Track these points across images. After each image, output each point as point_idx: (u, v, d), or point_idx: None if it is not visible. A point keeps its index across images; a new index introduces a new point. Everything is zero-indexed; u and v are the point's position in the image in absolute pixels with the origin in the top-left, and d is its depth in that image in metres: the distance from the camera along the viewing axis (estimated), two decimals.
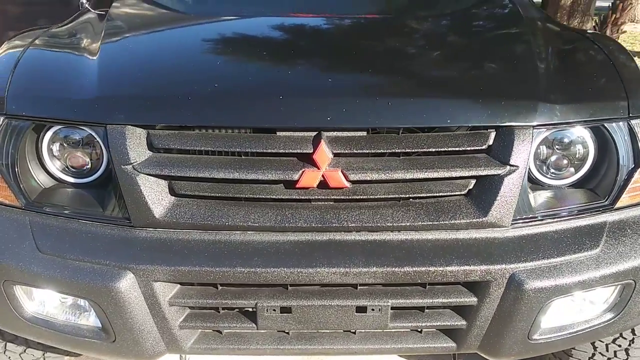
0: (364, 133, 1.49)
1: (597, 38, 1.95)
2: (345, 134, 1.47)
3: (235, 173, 1.44)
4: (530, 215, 1.52)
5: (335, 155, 1.45)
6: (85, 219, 1.52)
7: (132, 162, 1.45)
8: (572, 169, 1.63)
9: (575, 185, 1.64)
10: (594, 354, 1.95)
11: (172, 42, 1.98)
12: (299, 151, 1.44)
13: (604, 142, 1.60)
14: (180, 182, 1.48)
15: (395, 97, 1.50)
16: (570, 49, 1.93)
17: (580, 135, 1.60)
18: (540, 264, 1.45)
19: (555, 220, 1.54)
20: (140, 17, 2.19)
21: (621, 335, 1.90)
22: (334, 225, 1.47)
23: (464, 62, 1.79)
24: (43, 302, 1.56)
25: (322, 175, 1.44)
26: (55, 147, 1.59)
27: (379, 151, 1.46)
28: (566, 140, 1.60)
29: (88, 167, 1.60)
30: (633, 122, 1.59)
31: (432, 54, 1.88)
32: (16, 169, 1.56)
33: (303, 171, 1.44)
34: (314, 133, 1.46)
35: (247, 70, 1.71)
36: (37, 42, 1.82)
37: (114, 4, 2.14)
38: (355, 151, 1.45)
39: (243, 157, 1.48)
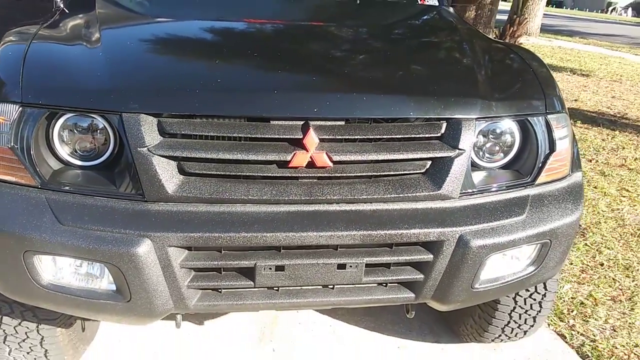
0: (343, 122, 1.80)
1: (517, 48, 2.38)
2: (328, 123, 1.77)
3: (237, 155, 1.71)
4: (473, 190, 1.89)
5: (321, 140, 1.75)
6: (100, 195, 1.73)
7: (146, 145, 1.68)
8: (502, 154, 2.02)
9: (504, 167, 2.04)
10: (514, 307, 2.38)
11: (169, 39, 2.21)
12: (290, 137, 1.73)
13: (526, 133, 2.01)
14: (189, 162, 1.72)
15: (368, 93, 1.83)
16: (498, 57, 2.34)
17: (509, 127, 1.99)
18: (481, 227, 1.82)
19: (491, 193, 1.92)
20: (127, 16, 2.39)
21: (536, 290, 2.34)
22: (319, 198, 1.77)
23: (419, 65, 2.17)
24: (60, 270, 1.75)
25: (310, 157, 1.74)
26: (65, 133, 1.79)
27: (356, 137, 1.78)
28: (498, 130, 1.99)
29: (95, 151, 1.81)
30: (549, 117, 2.01)
31: (394, 57, 2.23)
32: (32, 152, 1.74)
33: (294, 153, 1.73)
34: (302, 122, 1.76)
35: (244, 67, 1.98)
36: (38, 35, 1.98)
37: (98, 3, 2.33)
38: (337, 137, 1.76)
39: (242, 141, 1.75)
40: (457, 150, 1.83)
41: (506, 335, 2.49)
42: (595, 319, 2.89)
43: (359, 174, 1.80)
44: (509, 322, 2.41)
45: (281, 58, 2.06)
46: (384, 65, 2.12)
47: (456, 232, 1.79)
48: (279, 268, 1.75)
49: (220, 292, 1.80)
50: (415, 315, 2.25)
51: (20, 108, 1.73)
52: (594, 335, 2.77)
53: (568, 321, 2.87)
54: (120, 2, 2.48)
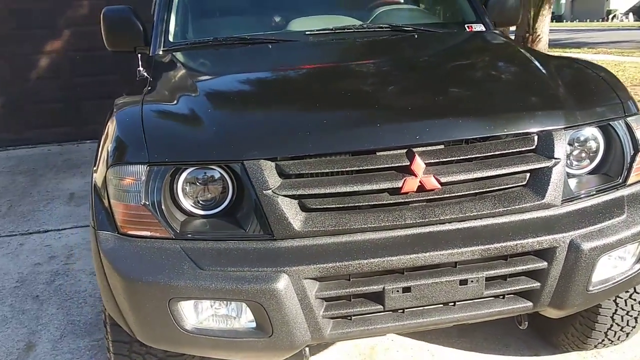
0: (442, 146, 1.92)
1: (575, 60, 2.52)
2: (429, 148, 1.90)
3: (352, 187, 1.84)
4: (572, 196, 1.99)
5: (427, 164, 1.87)
6: (230, 239, 1.85)
7: (270, 187, 1.81)
8: (588, 160, 2.13)
9: (592, 172, 2.14)
10: (616, 310, 2.43)
11: (263, 89, 2.39)
12: (399, 164, 1.86)
13: (609, 137, 2.11)
14: (309, 199, 1.85)
15: (463, 116, 1.96)
16: (565, 69, 2.47)
17: (592, 133, 2.10)
18: (589, 230, 1.91)
19: (590, 197, 2.02)
20: (215, 72, 2.59)
21: (635, 290, 2.40)
22: (433, 219, 1.88)
23: (498, 85, 2.31)
24: (202, 313, 1.87)
25: (419, 181, 1.86)
26: (188, 186, 1.93)
27: (458, 158, 1.90)
28: (582, 138, 2.10)
29: (215, 199, 1.95)
30: (628, 119, 2.12)
31: (471, 80, 2.38)
32: (162, 207, 1.88)
33: (405, 179, 1.85)
34: (405, 150, 1.89)
35: (343, 106, 2.12)
36: (146, 100, 2.16)
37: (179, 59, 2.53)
38: (441, 160, 1.88)
39: (355, 174, 1.87)
40: (554, 160, 1.93)
41: (609, 339, 2.53)
42: None
43: (466, 193, 1.91)
44: (611, 326, 2.46)
45: (372, 94, 2.21)
46: (467, 89, 2.26)
47: (567, 237, 1.88)
48: (406, 290, 1.84)
49: (351, 319, 1.90)
50: (508, 331, 2.31)
51: (148, 167, 1.88)
52: None
53: None
54: (202, 61, 2.67)
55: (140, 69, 2.67)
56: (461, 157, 1.91)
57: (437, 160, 1.88)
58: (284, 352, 1.89)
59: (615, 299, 2.39)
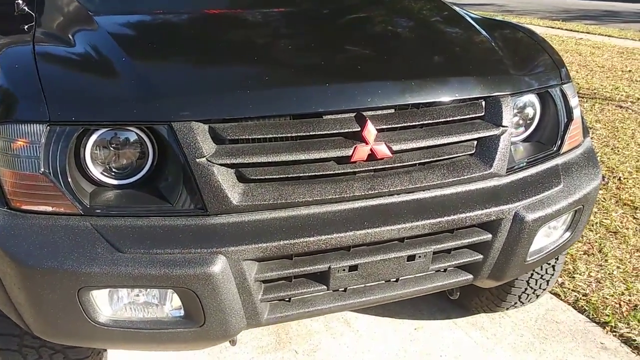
0: (392, 110, 1.75)
1: (515, 25, 2.44)
2: (379, 112, 1.72)
3: (298, 155, 1.62)
4: (513, 165, 1.93)
5: (378, 130, 1.70)
6: (155, 216, 1.57)
7: (205, 155, 1.54)
8: (523, 128, 2.07)
9: (524, 140, 2.09)
10: (532, 274, 2.47)
11: (189, 34, 2.03)
12: (349, 130, 1.66)
13: (545, 104, 2.07)
14: (249, 168, 1.60)
15: (416, 78, 1.79)
16: (507, 34, 2.37)
17: (530, 100, 2.05)
18: (532, 200, 1.86)
19: (529, 167, 1.97)
20: (121, 9, 2.18)
21: None
22: (382, 191, 1.72)
23: (448, 48, 2.16)
24: (118, 303, 1.58)
25: (370, 149, 1.68)
26: (99, 151, 1.60)
27: (410, 124, 1.75)
28: (520, 104, 2.03)
29: (130, 167, 1.64)
30: (564, 86, 2.09)
31: (421, 42, 2.21)
32: (67, 176, 1.54)
33: (355, 147, 1.66)
34: (354, 114, 1.69)
35: (288, 61, 1.86)
36: (37, 40, 1.75)
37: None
38: (393, 125, 1.72)
39: (299, 140, 1.65)
40: (502, 128, 1.85)
41: (521, 301, 2.58)
42: (580, 274, 3.07)
43: (415, 162, 1.77)
44: (526, 289, 2.50)
45: (318, 50, 1.97)
46: (418, 51, 2.10)
47: (512, 209, 1.82)
48: (352, 268, 1.68)
49: (290, 301, 1.71)
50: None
51: (49, 127, 1.52)
52: (584, 290, 2.94)
53: (557, 280, 3.02)
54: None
55: (19, 1, 2.20)
56: (412, 124, 1.75)
57: (388, 126, 1.71)
58: (216, 341, 1.67)
59: None
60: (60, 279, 1.48)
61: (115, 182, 1.63)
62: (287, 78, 1.75)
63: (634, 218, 3.71)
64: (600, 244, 3.40)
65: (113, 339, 1.60)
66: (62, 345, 1.79)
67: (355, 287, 1.76)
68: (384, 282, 1.80)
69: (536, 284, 2.50)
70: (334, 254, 1.68)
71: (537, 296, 2.60)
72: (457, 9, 2.50)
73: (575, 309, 2.82)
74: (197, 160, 1.53)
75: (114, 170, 1.63)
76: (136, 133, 1.60)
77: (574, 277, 3.05)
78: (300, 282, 1.69)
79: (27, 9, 2.14)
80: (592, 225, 3.62)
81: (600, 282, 3.01)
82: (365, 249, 1.71)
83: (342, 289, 1.75)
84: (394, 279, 1.81)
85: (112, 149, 1.61)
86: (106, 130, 1.58)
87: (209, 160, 1.54)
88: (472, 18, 2.41)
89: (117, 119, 1.55)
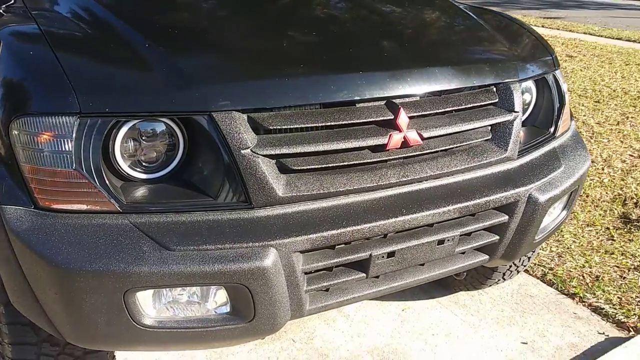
0: (418, 98, 1.77)
1: (505, 15, 2.52)
2: (408, 100, 1.74)
3: (338, 144, 1.60)
4: (523, 148, 2.01)
5: (409, 118, 1.71)
6: (197, 211, 1.50)
7: (249, 146, 1.49)
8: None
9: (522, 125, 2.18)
10: None
11: (210, 21, 1.92)
12: (384, 118, 1.67)
13: (541, 90, 2.17)
14: (290, 159, 1.56)
15: (440, 66, 1.82)
16: (504, 25, 2.44)
17: (528, 85, 2.14)
18: (542, 182, 1.94)
19: (533, 150, 2.06)
20: None
21: None
22: (414, 177, 1.74)
23: (459, 38, 2.20)
24: (164, 303, 1.50)
25: (404, 137, 1.69)
26: (130, 144, 1.51)
27: (437, 111, 1.77)
28: (522, 90, 2.11)
29: (160, 160, 1.56)
30: (556, 72, 2.20)
31: (446, 35, 2.24)
32: (102, 172, 1.44)
33: (390, 135, 1.67)
34: (384, 102, 1.70)
35: (319, 50, 1.81)
36: (43, 23, 1.61)
37: None
38: (423, 113, 1.74)
39: (337, 129, 1.63)
40: (514, 113, 1.92)
41: (504, 278, 2.71)
42: (542, 250, 3.26)
43: (441, 149, 1.80)
44: (510, 267, 2.62)
45: (348, 39, 1.93)
46: (436, 41, 2.13)
47: (527, 191, 1.89)
48: (391, 254, 1.70)
49: (328, 290, 1.70)
50: None
51: (79, 119, 1.41)
52: (549, 264, 3.13)
53: None
54: None
55: None
56: (437, 111, 1.78)
57: (418, 114, 1.73)
58: (262, 336, 1.63)
59: None
60: (106, 281, 1.38)
61: (144, 176, 1.55)
62: (324, 66, 1.72)
63: (579, 196, 3.96)
64: None
65: (157, 341, 1.52)
66: (82, 351, 1.68)
67: (387, 273, 1.77)
68: (412, 267, 1.83)
69: (519, 261, 2.63)
70: (374, 241, 1.68)
71: (518, 272, 2.74)
72: (454, 2, 2.56)
73: (545, 283, 3.00)
74: (242, 151, 1.48)
75: (143, 163, 1.54)
76: (166, 124, 1.52)
77: (538, 253, 3.22)
78: (340, 271, 1.68)
79: None
80: None
81: (561, 257, 3.21)
82: (400, 235, 1.72)
83: (376, 276, 1.76)
84: (421, 264, 1.84)
85: (143, 141, 1.52)
86: (137, 122, 1.49)
87: (253, 152, 1.49)
88: (466, 8, 2.47)
89: (153, 110, 1.46)
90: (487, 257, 1.97)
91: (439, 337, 2.57)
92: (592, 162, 4.51)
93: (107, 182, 1.44)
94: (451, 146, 1.82)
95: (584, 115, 5.66)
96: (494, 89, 1.92)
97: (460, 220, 1.83)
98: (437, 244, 1.78)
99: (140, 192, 1.52)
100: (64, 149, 1.41)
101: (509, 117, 1.90)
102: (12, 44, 1.56)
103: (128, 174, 1.53)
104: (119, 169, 1.51)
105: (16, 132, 1.42)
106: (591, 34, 10.93)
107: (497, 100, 1.91)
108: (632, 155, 4.70)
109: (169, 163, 1.56)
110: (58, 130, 1.40)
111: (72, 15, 1.78)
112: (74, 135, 1.41)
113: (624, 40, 10.43)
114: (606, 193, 4.00)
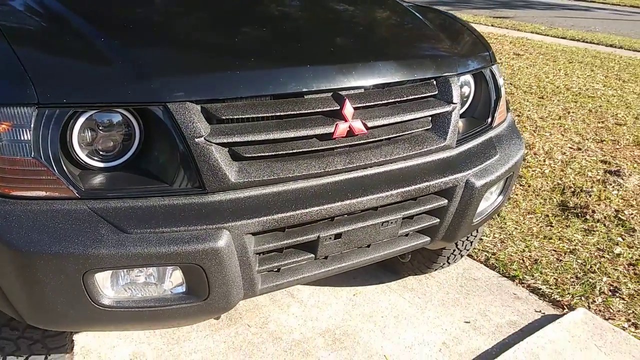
0: (363, 90, 1.89)
1: (444, 12, 2.67)
2: (353, 92, 1.85)
3: (287, 133, 1.71)
4: (461, 137, 2.16)
5: (354, 109, 1.83)
6: (153, 195, 1.58)
7: (202, 134, 1.58)
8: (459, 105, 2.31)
9: (461, 116, 2.33)
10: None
11: (169, 15, 1.99)
12: (330, 108, 1.78)
13: (479, 83, 2.32)
14: (242, 147, 1.66)
15: (384, 60, 1.94)
16: (442, 21, 2.58)
17: (466, 79, 2.29)
18: (478, 168, 2.09)
19: (471, 138, 2.21)
20: None
21: None
22: (360, 164, 1.86)
23: (401, 33, 2.34)
24: (121, 284, 1.58)
25: (349, 126, 1.81)
26: (87, 133, 1.58)
27: (380, 102, 1.90)
28: (459, 83, 2.26)
29: (116, 149, 1.63)
30: (493, 67, 2.35)
31: (378, 28, 2.35)
32: (60, 161, 1.51)
33: (336, 124, 1.78)
34: (331, 94, 1.81)
35: (269, 44, 1.90)
36: (2, 22, 1.66)
37: None
38: (367, 104, 1.86)
39: (286, 119, 1.74)
40: (452, 105, 2.06)
41: (449, 262, 2.86)
42: (486, 236, 3.44)
43: (384, 137, 1.93)
44: (454, 251, 2.78)
45: (291, 32, 2.04)
46: (381, 37, 2.24)
47: (464, 177, 2.04)
48: (337, 236, 1.81)
49: (279, 270, 1.80)
50: None
51: (38, 110, 1.48)
52: (492, 249, 3.31)
53: None
54: None
55: None
56: (380, 102, 1.90)
57: (363, 105, 1.85)
58: (216, 314, 1.72)
59: None
60: (64, 263, 1.46)
61: (102, 164, 1.62)
62: (272, 58, 1.82)
63: (520, 185, 4.18)
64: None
65: (116, 321, 1.60)
66: (41, 334, 1.74)
67: (335, 254, 1.89)
68: (357, 248, 1.95)
69: (462, 245, 2.78)
70: (322, 224, 1.79)
71: (462, 256, 2.90)
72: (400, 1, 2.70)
73: (487, 267, 3.17)
74: (196, 140, 1.57)
75: (101, 152, 1.61)
76: (122, 114, 1.60)
77: (481, 239, 3.41)
78: (290, 252, 1.79)
79: None
80: None
81: (504, 242, 3.40)
82: (347, 217, 1.84)
83: (324, 257, 1.88)
84: (367, 245, 1.96)
85: (99, 131, 1.59)
86: (94, 112, 1.56)
87: (206, 140, 1.58)
88: (411, 7, 2.61)
89: (110, 101, 1.54)
90: (428, 239, 2.10)
91: (388, 318, 2.70)
92: (535, 154, 4.75)
93: (65, 169, 1.51)
94: (394, 135, 1.94)
95: (529, 111, 5.92)
96: (434, 82, 2.06)
97: (403, 204, 1.96)
98: (382, 226, 1.90)
99: (98, 179, 1.59)
100: (22, 139, 1.47)
101: (447, 108, 2.04)
102: None
103: (86, 162, 1.59)
104: (77, 157, 1.58)
105: None
106: (538, 33, 11.36)
107: (436, 92, 2.05)
108: (571, 148, 4.96)
109: (125, 152, 1.64)
110: (17, 120, 1.46)
111: (27, 9, 1.83)
112: (32, 125, 1.47)
113: (569, 39, 10.88)
114: (547, 183, 4.23)
